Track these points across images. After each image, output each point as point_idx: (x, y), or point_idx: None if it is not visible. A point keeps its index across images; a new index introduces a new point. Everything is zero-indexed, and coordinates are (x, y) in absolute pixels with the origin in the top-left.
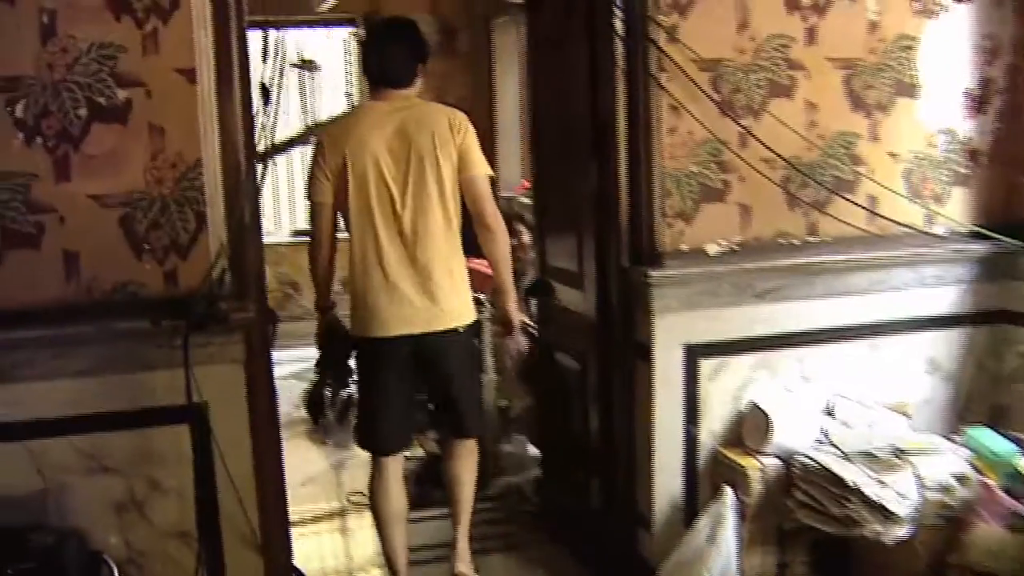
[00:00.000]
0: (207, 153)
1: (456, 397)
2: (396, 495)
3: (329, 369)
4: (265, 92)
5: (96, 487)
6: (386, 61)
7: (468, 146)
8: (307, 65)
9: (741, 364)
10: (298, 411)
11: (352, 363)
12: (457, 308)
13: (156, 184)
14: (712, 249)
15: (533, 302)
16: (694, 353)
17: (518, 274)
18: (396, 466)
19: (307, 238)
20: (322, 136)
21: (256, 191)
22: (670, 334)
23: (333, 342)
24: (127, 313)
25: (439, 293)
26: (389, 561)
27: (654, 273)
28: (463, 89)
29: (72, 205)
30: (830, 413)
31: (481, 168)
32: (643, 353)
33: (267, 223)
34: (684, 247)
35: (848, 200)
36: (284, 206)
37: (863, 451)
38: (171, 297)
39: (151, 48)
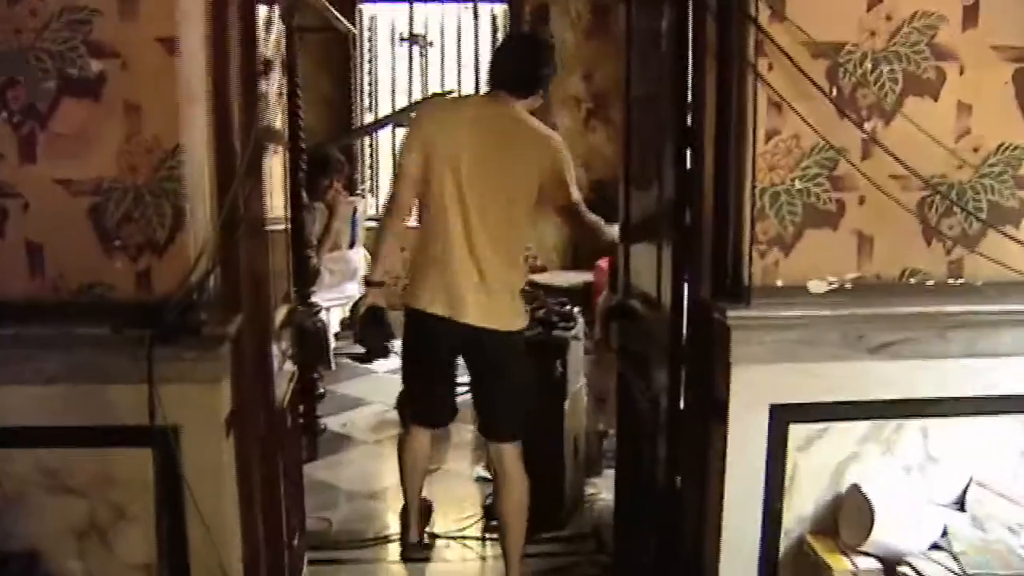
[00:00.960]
0: (190, 138)
1: (489, 394)
2: (424, 453)
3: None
4: None
5: (56, 507)
6: (513, 64)
7: (558, 172)
8: (416, 40)
9: (844, 434)
10: (392, 412)
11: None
12: (506, 313)
13: (130, 171)
14: (816, 287)
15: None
16: (783, 416)
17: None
18: (423, 441)
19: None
20: (424, 112)
21: (258, 180)
22: (753, 390)
23: (371, 327)
24: (93, 317)
25: (492, 295)
26: (407, 503)
27: (737, 313)
28: (612, 72)
29: (38, 190)
30: (960, 507)
31: (572, 195)
32: (718, 410)
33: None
34: (779, 282)
35: (1009, 236)
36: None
37: (997, 572)
38: (143, 302)
39: (128, 12)
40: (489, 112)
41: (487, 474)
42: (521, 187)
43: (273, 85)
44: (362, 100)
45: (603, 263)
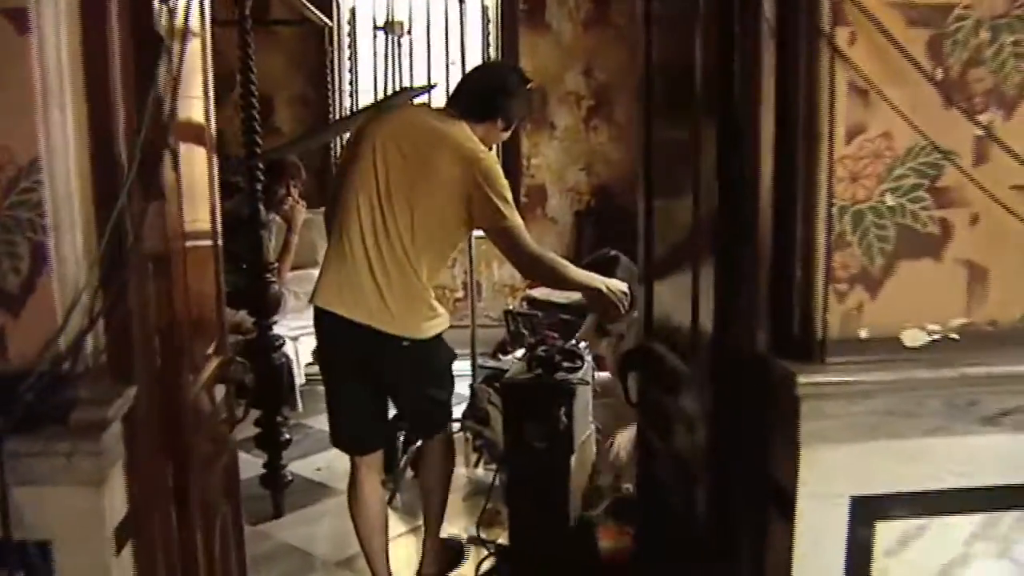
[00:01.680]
0: (52, 147)
1: (409, 403)
2: (374, 504)
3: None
4: None
5: None
6: (469, 86)
7: (481, 192)
8: (392, 28)
9: (949, 531)
10: None
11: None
12: (407, 320)
13: None
14: (912, 338)
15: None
16: (868, 511)
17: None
18: (369, 470)
19: None
20: (371, 113)
21: (156, 197)
22: (829, 478)
23: None
24: None
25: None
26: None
27: (810, 378)
28: (613, 66)
29: None
30: None
31: (499, 222)
32: (782, 502)
33: None
34: (863, 332)
35: None
36: None
37: None
38: None
39: None
40: (423, 121)
41: (483, 535)
42: (436, 201)
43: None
44: (341, 99)
45: None
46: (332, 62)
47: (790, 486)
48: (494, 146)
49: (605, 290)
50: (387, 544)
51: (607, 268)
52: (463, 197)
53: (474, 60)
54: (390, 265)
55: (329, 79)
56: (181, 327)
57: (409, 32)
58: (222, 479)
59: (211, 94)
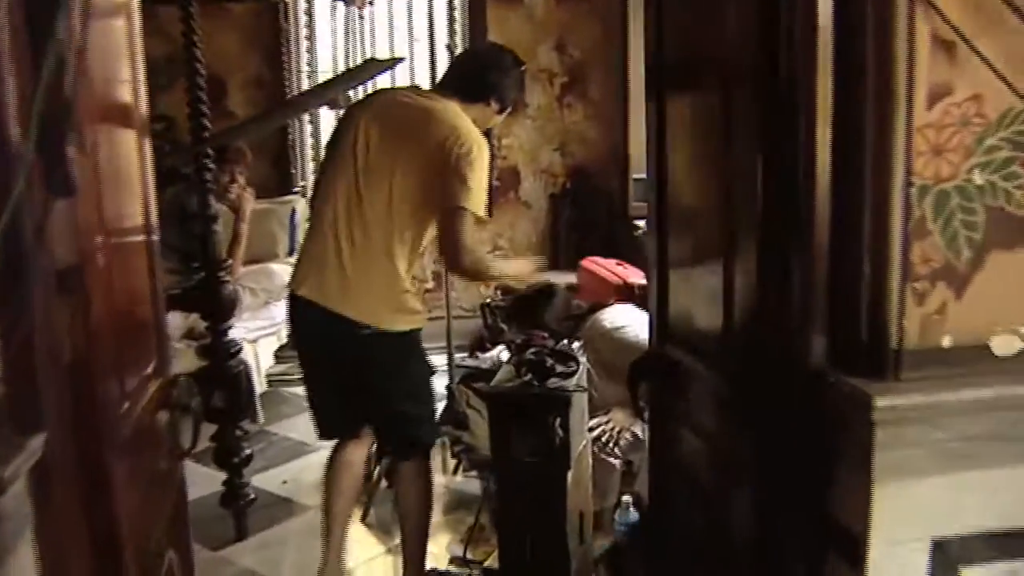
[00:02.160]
0: None
1: (377, 404)
2: (352, 469)
3: None
4: None
5: None
6: (459, 68)
7: (448, 168)
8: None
9: None
10: None
11: None
12: (371, 306)
13: None
14: (1005, 345)
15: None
16: (952, 554)
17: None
18: (351, 457)
19: None
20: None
21: (64, 192)
22: (907, 516)
23: None
24: None
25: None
26: (328, 528)
27: (887, 400)
28: (588, 41)
29: None
30: None
31: (452, 200)
32: (848, 548)
33: None
34: (946, 340)
35: None
36: None
37: None
38: None
39: None
40: (410, 100)
41: (469, 554)
42: (415, 180)
43: (116, 50)
44: (299, 80)
45: (589, 263)
46: (288, 40)
47: (859, 529)
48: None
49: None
50: (350, 513)
51: (548, 298)
52: (435, 167)
53: (440, 34)
54: (361, 248)
55: (285, 58)
56: (104, 350)
57: (371, 3)
58: (168, 525)
59: (141, 76)
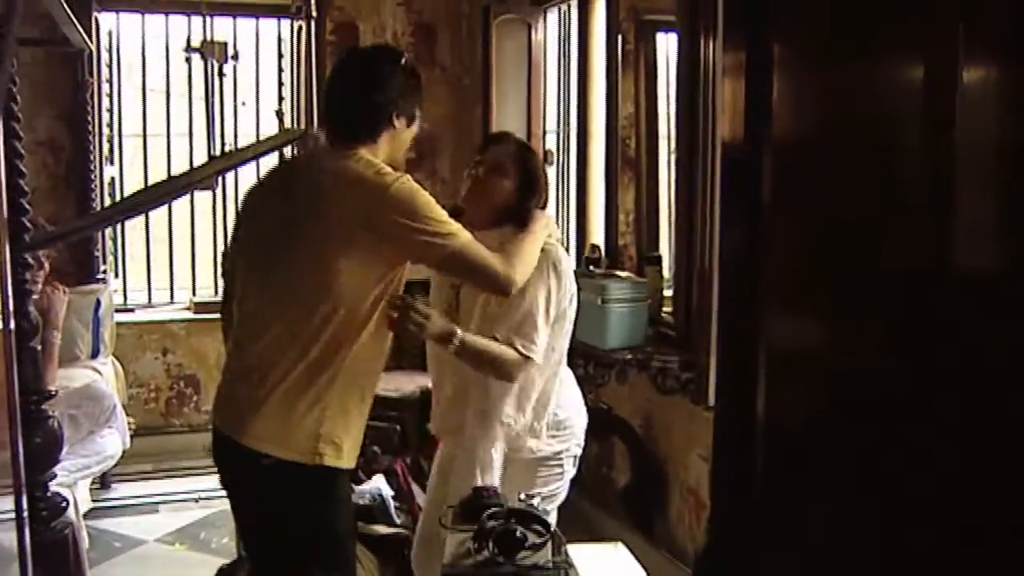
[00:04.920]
0: None
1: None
2: None
3: None
4: None
5: None
6: (335, 97)
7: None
8: (208, 49)
9: None
10: None
11: None
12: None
13: None
14: None
15: None
16: None
17: None
18: None
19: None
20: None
21: None
22: None
23: None
24: None
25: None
26: None
27: None
28: (442, 108)
29: None
30: None
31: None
32: None
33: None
34: None
35: None
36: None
37: None
38: None
39: None
40: (305, 172)
41: None
42: (316, 254)
43: None
44: (101, 146)
45: None
46: (93, 99)
47: None
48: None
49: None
50: None
51: None
52: (364, 231)
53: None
54: (266, 350)
55: (90, 119)
56: None
57: (235, 58)
58: None
59: None
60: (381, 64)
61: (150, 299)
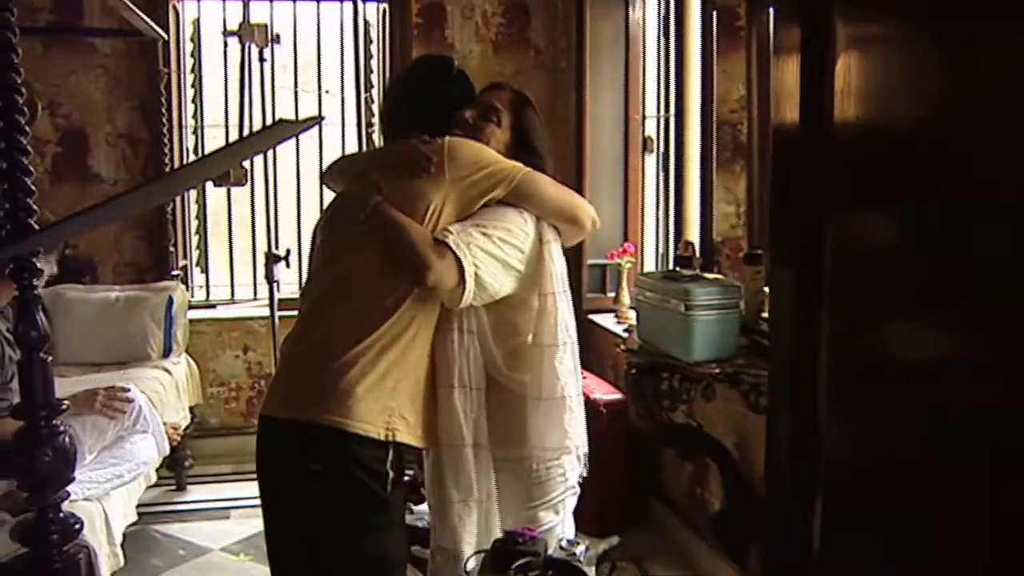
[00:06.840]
0: None
1: None
2: None
3: None
4: None
5: None
6: (391, 109)
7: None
8: (247, 33)
9: None
10: None
11: None
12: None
13: None
14: None
15: None
16: None
17: None
18: None
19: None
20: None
21: None
22: None
23: None
24: None
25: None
26: None
27: None
28: (533, 97)
29: None
30: None
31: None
32: None
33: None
34: None
35: None
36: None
37: None
38: None
39: None
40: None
41: None
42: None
43: None
44: (183, 137)
45: None
46: (169, 87)
47: None
48: None
49: None
50: None
51: None
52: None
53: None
54: (339, 324)
55: (164, 110)
56: None
57: (276, 40)
58: None
59: None
60: (437, 73)
61: (233, 295)
